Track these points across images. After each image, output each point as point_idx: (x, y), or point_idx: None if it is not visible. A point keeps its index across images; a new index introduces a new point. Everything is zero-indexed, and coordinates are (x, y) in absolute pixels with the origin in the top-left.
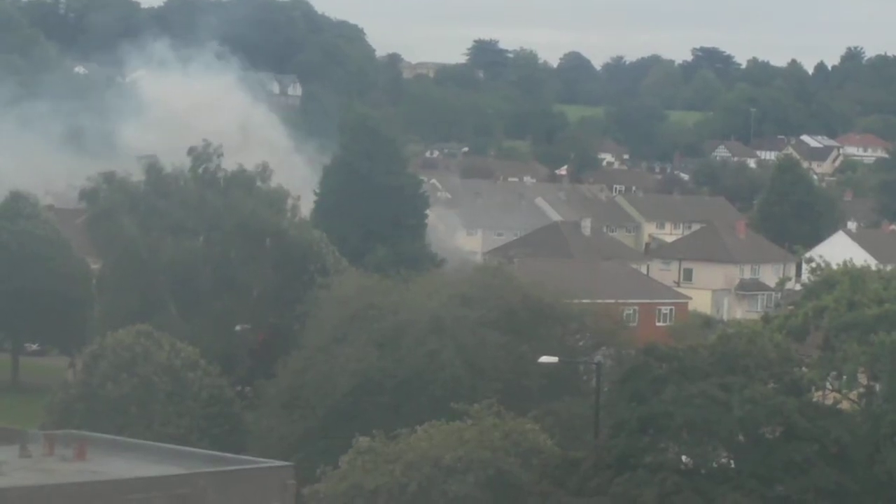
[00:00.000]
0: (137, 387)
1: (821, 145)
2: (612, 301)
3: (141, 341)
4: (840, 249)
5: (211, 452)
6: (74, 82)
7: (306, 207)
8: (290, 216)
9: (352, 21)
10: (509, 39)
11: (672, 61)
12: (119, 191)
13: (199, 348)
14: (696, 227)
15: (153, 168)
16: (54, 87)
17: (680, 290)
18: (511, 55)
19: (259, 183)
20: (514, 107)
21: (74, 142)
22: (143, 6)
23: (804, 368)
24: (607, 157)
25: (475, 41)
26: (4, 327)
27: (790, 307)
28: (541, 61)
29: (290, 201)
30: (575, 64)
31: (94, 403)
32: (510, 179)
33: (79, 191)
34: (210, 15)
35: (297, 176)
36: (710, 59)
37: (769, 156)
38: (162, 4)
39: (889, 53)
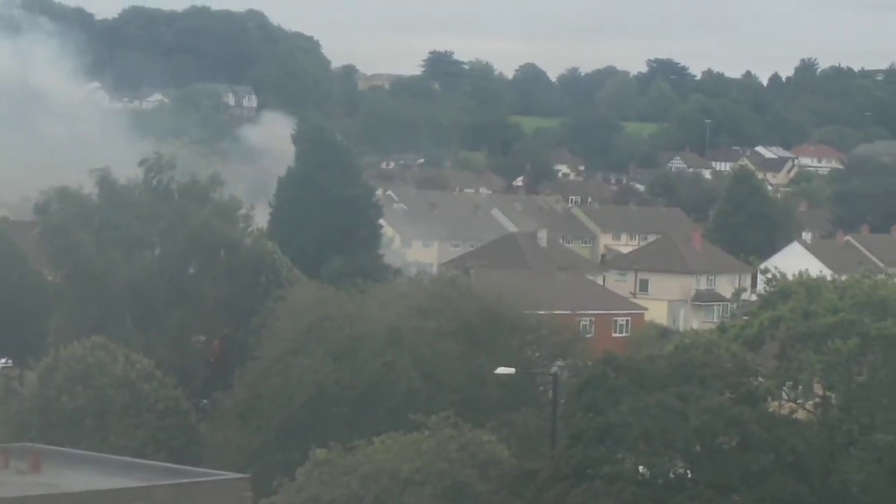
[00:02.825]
0: (93, 399)
1: (776, 156)
2: (569, 312)
3: (96, 353)
4: (795, 260)
5: (167, 465)
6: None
7: (262, 218)
8: (243, 226)
9: (307, 33)
10: (465, 51)
11: (627, 73)
12: (72, 204)
13: (154, 360)
14: (651, 238)
15: (105, 180)
16: None
17: (636, 300)
18: (467, 66)
19: (215, 195)
20: (469, 118)
21: (28, 153)
22: (97, 17)
23: (760, 378)
24: (563, 169)
25: (431, 52)
26: None
27: (745, 317)
28: (496, 73)
29: (241, 211)
30: (531, 75)
31: (50, 416)
32: (466, 191)
33: (33, 203)
34: (165, 26)
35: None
36: (666, 71)
37: (724, 167)
38: (116, 16)
39: (843, 65)
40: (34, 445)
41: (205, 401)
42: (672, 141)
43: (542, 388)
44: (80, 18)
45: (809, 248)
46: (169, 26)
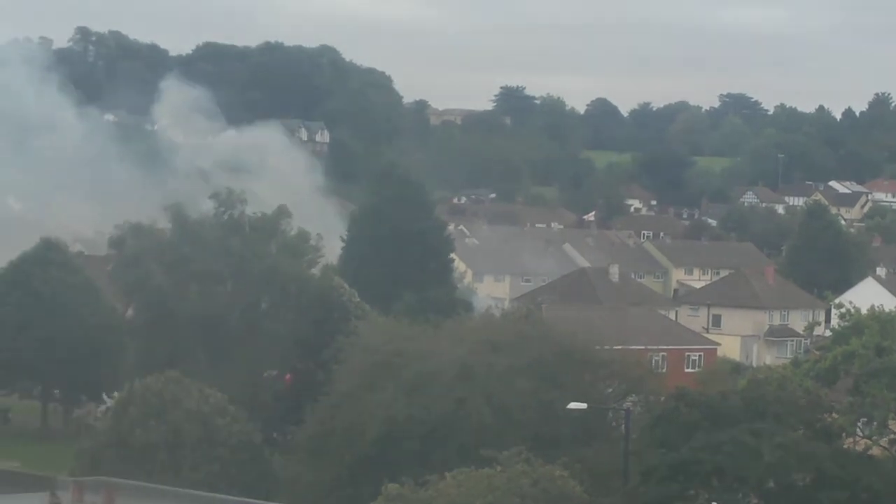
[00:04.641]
0: (166, 433)
1: (849, 191)
2: (641, 347)
3: (170, 387)
4: (869, 295)
5: (240, 499)
6: (104, 129)
7: (333, 253)
8: (312, 260)
9: (379, 68)
10: (536, 86)
11: (699, 107)
12: (146, 238)
13: (227, 395)
14: (724, 273)
15: (179, 215)
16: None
17: (709, 336)
18: (538, 101)
19: (283, 227)
20: (541, 153)
21: (103, 188)
22: (171, 53)
23: (834, 414)
24: (635, 203)
25: (502, 88)
26: (34, 375)
27: (818, 353)
28: (568, 108)
29: (311, 243)
30: (602, 110)
31: (124, 450)
32: (538, 225)
33: (107, 238)
34: (239, 62)
35: (325, 222)
36: (738, 105)
37: (797, 202)
38: (190, 52)
39: None
40: (108, 479)
41: (276, 435)
42: (744, 175)
43: (614, 424)
44: (154, 55)
45: (883, 283)
46: (242, 62)
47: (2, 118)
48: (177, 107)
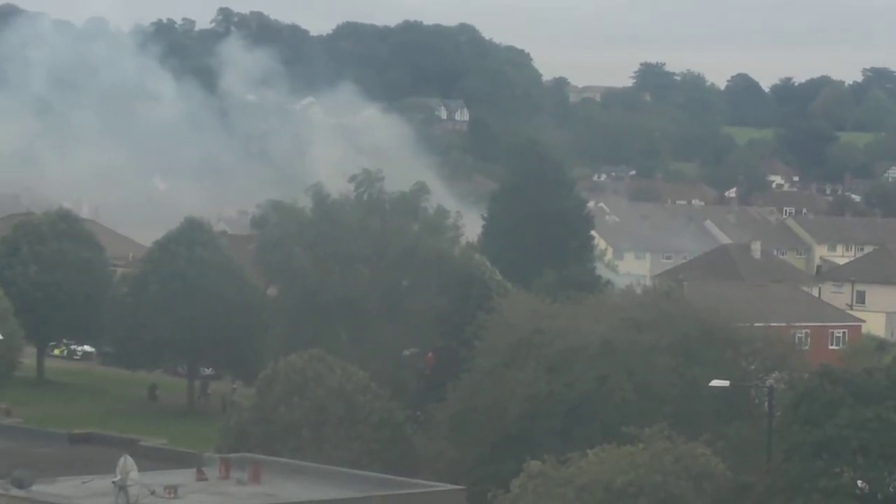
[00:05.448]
0: (310, 410)
1: None
2: (784, 324)
3: (313, 365)
4: None
5: (383, 476)
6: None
7: (473, 232)
8: (453, 238)
9: (518, 46)
10: (676, 62)
11: (842, 82)
12: (288, 218)
13: (368, 372)
14: (868, 249)
15: (320, 195)
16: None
17: (853, 312)
18: (678, 77)
19: (424, 204)
20: (681, 129)
21: (244, 168)
22: (311, 34)
23: None
24: (777, 179)
25: (642, 64)
26: (180, 353)
27: None
28: (708, 83)
29: (450, 221)
30: (743, 85)
31: (268, 427)
32: (678, 202)
33: (250, 217)
34: (379, 41)
35: (464, 200)
36: (881, 79)
37: None
38: (331, 32)
39: None
40: (254, 456)
41: (418, 413)
42: (889, 150)
43: (757, 401)
44: (296, 35)
45: None
46: (382, 41)
47: (98, 91)
48: (243, 74)
